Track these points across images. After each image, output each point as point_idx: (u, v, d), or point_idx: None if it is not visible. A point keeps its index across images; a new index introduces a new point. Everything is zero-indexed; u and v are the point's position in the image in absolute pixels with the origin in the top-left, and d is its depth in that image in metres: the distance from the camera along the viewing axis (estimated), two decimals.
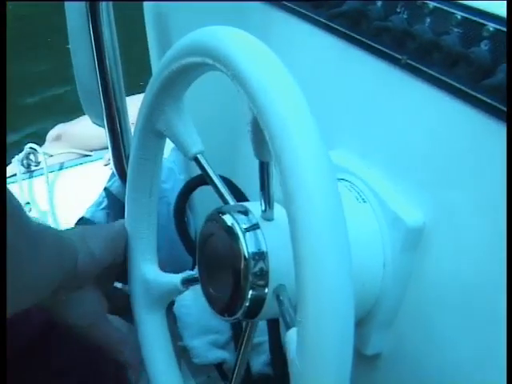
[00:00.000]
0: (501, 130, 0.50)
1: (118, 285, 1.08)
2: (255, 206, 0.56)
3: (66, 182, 1.50)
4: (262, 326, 0.83)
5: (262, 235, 0.54)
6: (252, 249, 0.53)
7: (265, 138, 0.46)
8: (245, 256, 0.53)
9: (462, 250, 0.57)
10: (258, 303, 0.55)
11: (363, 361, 0.65)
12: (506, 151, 0.49)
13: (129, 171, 0.66)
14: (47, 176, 1.47)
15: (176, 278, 0.66)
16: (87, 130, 1.64)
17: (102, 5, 0.86)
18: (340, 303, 0.38)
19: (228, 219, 0.55)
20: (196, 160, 0.60)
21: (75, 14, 0.89)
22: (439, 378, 0.62)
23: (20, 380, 0.67)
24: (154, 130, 0.61)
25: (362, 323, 0.63)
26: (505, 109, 0.49)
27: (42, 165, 1.50)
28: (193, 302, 0.82)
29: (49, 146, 1.59)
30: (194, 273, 0.63)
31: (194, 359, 0.80)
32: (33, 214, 1.41)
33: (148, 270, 0.68)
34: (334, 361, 0.38)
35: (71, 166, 1.56)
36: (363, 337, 0.63)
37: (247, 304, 0.55)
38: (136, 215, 0.68)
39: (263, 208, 0.55)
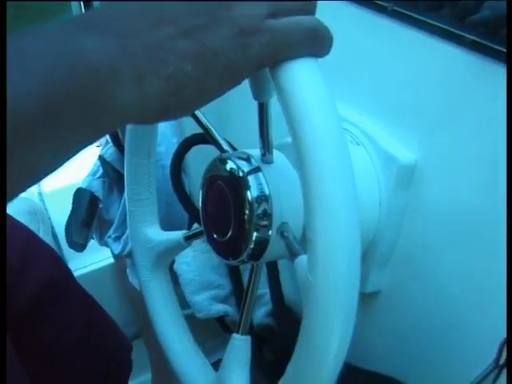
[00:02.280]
0: (491, 68, 0.53)
1: (135, 282, 1.09)
2: (254, 152, 0.58)
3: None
4: (262, 278, 0.85)
5: (264, 177, 0.56)
6: (255, 191, 0.55)
7: (263, 77, 0.49)
8: (248, 199, 0.55)
9: (453, 188, 0.60)
10: (262, 244, 0.57)
11: (362, 299, 0.68)
12: (506, 91, 0.51)
13: (127, 136, 0.68)
14: None
15: (178, 235, 0.68)
16: None
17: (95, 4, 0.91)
18: (347, 217, 0.41)
19: (229, 165, 0.57)
20: (194, 116, 0.61)
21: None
22: (436, 314, 0.65)
23: (23, 337, 0.69)
24: None
25: (361, 261, 0.65)
26: (495, 46, 0.52)
27: None
28: (193, 259, 0.84)
29: None
30: (195, 228, 0.65)
31: (197, 314, 0.82)
32: (21, 195, 1.41)
33: (150, 231, 0.70)
34: (345, 269, 0.41)
35: None
36: (362, 274, 0.66)
37: (251, 246, 0.57)
38: (136, 178, 0.70)
39: (263, 152, 0.57)
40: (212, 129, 0.64)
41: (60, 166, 0.34)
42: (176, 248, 0.70)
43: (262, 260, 0.59)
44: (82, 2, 0.93)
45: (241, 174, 0.56)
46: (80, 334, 0.80)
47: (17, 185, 0.33)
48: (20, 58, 0.30)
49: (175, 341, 0.70)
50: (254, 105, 0.54)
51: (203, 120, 0.63)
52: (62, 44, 0.32)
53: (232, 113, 0.85)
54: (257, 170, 0.56)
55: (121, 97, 0.33)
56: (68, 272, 0.81)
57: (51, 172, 0.34)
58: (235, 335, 0.59)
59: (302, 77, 0.41)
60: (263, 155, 0.57)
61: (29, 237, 0.77)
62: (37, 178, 0.34)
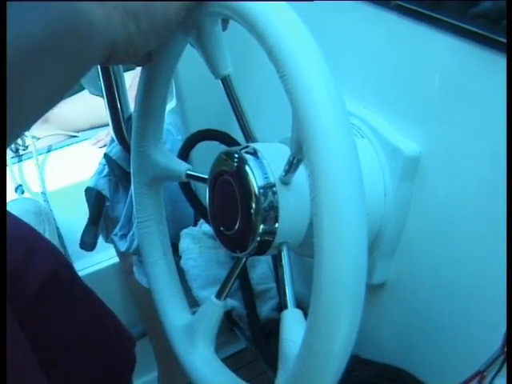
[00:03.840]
0: (492, 59, 0.54)
1: (143, 281, 1.10)
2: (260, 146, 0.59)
3: (55, 164, 1.52)
4: (267, 273, 0.86)
5: (271, 171, 0.57)
6: (261, 185, 0.56)
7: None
8: (254, 192, 0.56)
9: (457, 178, 0.61)
10: (269, 236, 0.58)
11: (368, 291, 0.68)
12: (506, 82, 0.52)
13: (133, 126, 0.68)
14: (37, 159, 1.48)
15: (181, 171, 0.67)
16: (73, 111, 1.66)
17: None
18: (354, 208, 0.42)
19: (236, 158, 0.58)
20: (224, 80, 0.61)
21: None
22: (442, 304, 0.65)
23: (27, 332, 0.69)
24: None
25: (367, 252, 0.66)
26: (498, 38, 0.53)
27: (31, 148, 1.51)
28: (199, 255, 0.85)
29: (36, 129, 1.60)
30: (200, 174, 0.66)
31: None
32: (26, 196, 1.42)
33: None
34: (352, 262, 0.42)
35: (59, 148, 1.57)
36: (369, 266, 0.66)
37: (258, 238, 0.57)
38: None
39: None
40: (238, 101, 0.64)
41: (55, 102, 0.43)
42: (174, 178, 0.69)
43: (269, 253, 0.60)
44: None
45: (247, 167, 0.57)
46: (84, 328, 0.80)
47: (23, 120, 0.40)
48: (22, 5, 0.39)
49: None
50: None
51: (232, 88, 0.63)
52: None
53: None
54: (262, 163, 0.57)
55: (97, 28, 0.45)
56: (70, 267, 0.81)
57: (48, 108, 0.43)
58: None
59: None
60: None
61: (30, 233, 0.78)
62: (38, 112, 0.42)
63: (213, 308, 0.64)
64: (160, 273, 0.71)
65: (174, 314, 0.70)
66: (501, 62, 0.53)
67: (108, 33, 0.47)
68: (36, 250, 0.75)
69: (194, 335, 0.65)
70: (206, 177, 0.62)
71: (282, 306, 0.55)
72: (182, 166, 0.66)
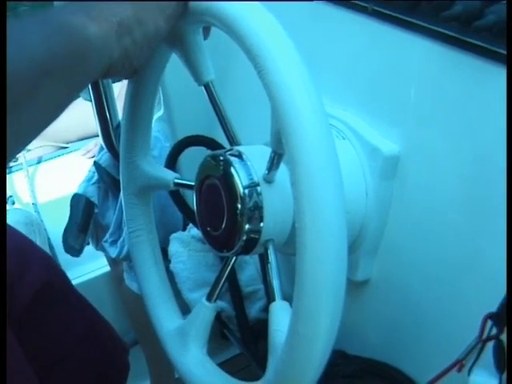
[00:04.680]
0: (467, 62, 0.56)
1: (134, 287, 1.11)
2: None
3: (45, 175, 1.53)
4: (255, 274, 0.88)
5: (255, 172, 0.59)
6: (246, 185, 0.58)
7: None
8: (239, 193, 0.58)
9: (437, 176, 0.63)
10: (255, 235, 0.59)
11: (353, 287, 0.71)
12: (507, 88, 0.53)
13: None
14: (27, 170, 1.49)
15: (169, 180, 0.68)
16: (63, 122, 1.67)
17: None
18: (334, 208, 0.44)
19: (221, 161, 0.60)
20: (206, 87, 0.63)
21: None
22: (424, 299, 0.67)
23: (22, 340, 0.70)
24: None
25: (350, 250, 0.68)
26: (470, 40, 0.55)
27: (21, 160, 1.52)
28: (188, 258, 0.86)
29: None
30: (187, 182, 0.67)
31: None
32: (16, 207, 1.43)
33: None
34: (332, 259, 0.44)
35: (49, 159, 1.59)
36: (352, 263, 0.69)
37: (244, 238, 0.59)
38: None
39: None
40: (221, 107, 0.66)
41: (55, 118, 0.44)
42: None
43: (255, 251, 0.62)
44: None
45: (232, 170, 0.59)
46: (78, 335, 0.81)
47: (18, 140, 0.41)
48: (17, 29, 0.40)
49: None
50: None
51: (215, 95, 0.65)
52: (52, 19, 0.45)
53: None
54: (247, 164, 0.59)
55: (93, 46, 0.46)
56: (63, 275, 0.82)
57: (49, 124, 0.44)
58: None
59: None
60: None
61: (23, 242, 0.79)
62: (39, 129, 0.43)
63: (204, 310, 0.66)
64: (151, 280, 0.73)
65: (166, 318, 0.71)
66: (474, 62, 0.56)
67: (105, 48, 0.48)
68: (29, 259, 0.76)
69: (186, 338, 0.67)
70: (193, 184, 0.64)
71: (270, 300, 0.57)
72: (170, 175, 0.68)
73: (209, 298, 0.65)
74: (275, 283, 0.57)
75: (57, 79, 0.42)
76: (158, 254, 0.74)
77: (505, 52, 0.53)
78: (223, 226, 0.61)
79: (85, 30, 0.46)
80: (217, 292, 0.66)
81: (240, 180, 0.58)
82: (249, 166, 0.59)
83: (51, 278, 0.78)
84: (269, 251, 0.60)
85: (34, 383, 0.70)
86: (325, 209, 0.43)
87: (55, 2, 0.97)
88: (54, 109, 0.44)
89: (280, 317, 0.54)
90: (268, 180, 0.57)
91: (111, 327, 0.88)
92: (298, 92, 0.44)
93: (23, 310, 0.73)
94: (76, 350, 0.81)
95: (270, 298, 0.57)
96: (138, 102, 0.66)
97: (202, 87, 0.63)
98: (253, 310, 0.86)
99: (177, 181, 0.68)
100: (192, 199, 0.66)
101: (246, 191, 0.58)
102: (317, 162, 0.44)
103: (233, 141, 0.66)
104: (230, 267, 0.65)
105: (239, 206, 0.58)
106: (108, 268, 1.35)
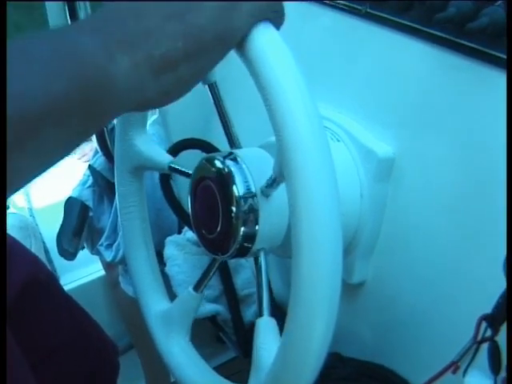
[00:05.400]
0: (460, 64, 0.56)
1: (129, 291, 1.11)
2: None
3: (40, 179, 1.52)
4: (251, 278, 0.88)
5: (250, 174, 0.59)
6: (241, 188, 0.58)
7: None
8: (235, 195, 0.58)
9: (431, 178, 0.63)
10: (250, 239, 0.60)
11: (349, 290, 0.70)
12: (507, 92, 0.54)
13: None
14: None
15: (164, 162, 0.68)
16: None
17: (79, 4, 0.96)
18: (329, 212, 0.44)
19: (216, 164, 0.60)
20: (211, 87, 0.63)
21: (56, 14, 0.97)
22: (420, 301, 0.67)
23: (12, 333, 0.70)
24: None
25: (345, 253, 0.68)
26: (463, 42, 0.55)
27: None
28: (183, 261, 0.86)
29: None
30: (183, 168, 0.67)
31: None
32: (11, 211, 1.43)
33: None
34: (328, 262, 0.44)
35: None
36: (348, 266, 0.69)
37: (239, 241, 0.59)
38: None
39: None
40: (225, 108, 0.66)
41: (63, 157, 0.36)
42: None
43: (250, 255, 0.62)
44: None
45: (227, 173, 0.59)
46: (67, 335, 0.81)
47: (17, 181, 0.34)
48: (24, 60, 0.32)
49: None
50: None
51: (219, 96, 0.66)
52: (64, 45, 0.35)
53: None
54: (242, 167, 0.59)
55: (121, 85, 0.36)
56: (50, 273, 0.82)
57: (55, 163, 0.36)
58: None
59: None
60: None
61: (9, 241, 0.78)
62: (41, 170, 0.36)
63: (190, 299, 0.67)
64: (140, 258, 0.74)
65: (153, 298, 0.72)
66: (468, 65, 0.56)
67: (135, 89, 0.38)
68: (15, 256, 0.76)
69: (170, 324, 0.69)
70: (189, 172, 0.64)
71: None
72: (166, 158, 0.69)
73: (196, 288, 0.66)
74: (265, 297, 0.58)
75: (62, 125, 0.34)
76: (148, 234, 0.74)
77: (499, 54, 0.53)
78: (218, 229, 0.61)
79: (110, 64, 0.36)
80: (204, 283, 0.67)
81: (236, 184, 0.58)
82: (244, 169, 0.59)
83: (37, 275, 0.77)
84: (260, 260, 0.61)
85: (29, 375, 0.69)
86: (320, 212, 0.43)
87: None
88: (63, 151, 0.36)
89: (265, 334, 0.55)
90: (265, 194, 0.57)
91: (100, 327, 0.88)
92: (303, 128, 0.43)
93: (10, 305, 0.73)
94: (65, 349, 0.81)
95: (259, 309, 0.58)
96: None
97: (205, 87, 0.63)
98: (248, 314, 0.85)
99: (172, 165, 0.68)
100: (187, 202, 0.66)
101: (242, 195, 0.58)
102: (312, 165, 0.44)
103: (233, 143, 0.66)
104: (218, 262, 0.66)
105: (234, 208, 0.58)
106: (103, 272, 1.35)
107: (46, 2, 1.03)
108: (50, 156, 0.35)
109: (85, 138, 0.37)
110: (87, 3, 0.98)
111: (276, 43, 0.44)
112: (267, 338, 0.54)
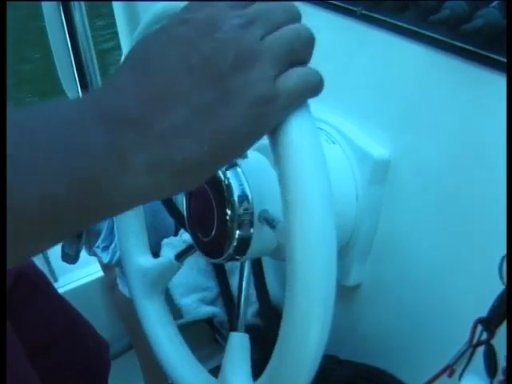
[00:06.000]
0: (453, 65, 0.56)
1: (125, 291, 1.11)
2: None
3: None
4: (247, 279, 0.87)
5: (244, 175, 0.58)
6: (236, 191, 0.58)
7: None
8: (229, 199, 0.58)
9: (427, 181, 0.63)
10: (245, 241, 0.59)
11: (345, 292, 0.70)
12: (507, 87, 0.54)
13: None
14: None
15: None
16: None
17: (74, 4, 0.96)
18: (323, 214, 0.43)
19: None
20: None
21: (51, 13, 0.97)
22: (416, 304, 0.67)
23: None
24: None
25: (341, 255, 0.68)
26: (458, 43, 0.55)
27: None
28: None
29: None
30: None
31: (185, 316, 0.84)
32: None
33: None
34: (322, 265, 0.43)
35: None
36: (344, 268, 0.69)
37: (235, 243, 0.59)
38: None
39: None
40: None
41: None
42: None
43: (246, 257, 0.61)
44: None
45: (221, 175, 0.58)
46: (58, 331, 0.81)
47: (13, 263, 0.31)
48: (29, 148, 0.30)
49: (174, 358, 0.71)
50: None
51: None
52: (73, 137, 0.31)
53: None
54: (235, 166, 0.59)
55: (130, 188, 0.33)
56: (40, 272, 0.82)
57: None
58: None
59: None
60: None
61: None
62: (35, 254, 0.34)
63: (169, 265, 0.70)
64: (136, 260, 0.74)
65: (136, 251, 0.73)
66: (462, 66, 0.56)
67: (146, 191, 0.34)
68: None
69: (149, 283, 0.71)
70: None
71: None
72: None
73: (177, 257, 0.69)
74: (242, 311, 0.60)
75: (61, 229, 0.31)
76: (144, 236, 0.75)
77: (494, 56, 0.53)
78: (213, 232, 0.60)
79: (122, 173, 0.32)
80: (188, 254, 0.70)
81: (230, 188, 0.58)
82: (239, 172, 0.59)
83: (25, 269, 0.77)
84: (244, 272, 0.62)
85: (27, 365, 0.69)
86: (314, 215, 0.43)
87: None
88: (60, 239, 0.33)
89: (235, 350, 0.57)
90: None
91: (91, 325, 0.88)
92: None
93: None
94: (56, 346, 0.81)
95: (232, 324, 0.60)
96: None
97: None
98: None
99: None
100: (183, 204, 0.66)
101: (237, 198, 0.58)
102: (306, 166, 0.43)
103: None
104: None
105: (229, 212, 0.58)
106: (101, 273, 1.34)
107: (42, 2, 1.03)
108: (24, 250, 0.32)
109: (73, 234, 0.36)
110: (82, 3, 0.98)
111: (309, 140, 0.41)
112: (236, 354, 0.57)
